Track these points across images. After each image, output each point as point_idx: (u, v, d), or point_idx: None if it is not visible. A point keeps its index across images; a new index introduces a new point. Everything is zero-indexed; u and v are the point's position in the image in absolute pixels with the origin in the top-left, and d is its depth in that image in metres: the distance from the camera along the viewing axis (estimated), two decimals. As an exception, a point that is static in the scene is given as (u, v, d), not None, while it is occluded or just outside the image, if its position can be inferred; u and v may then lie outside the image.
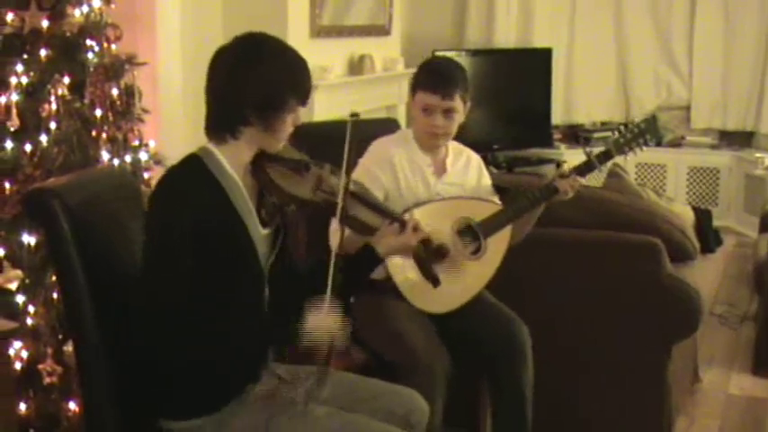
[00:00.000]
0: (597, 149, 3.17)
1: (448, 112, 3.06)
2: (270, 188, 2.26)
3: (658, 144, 7.36)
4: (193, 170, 2.20)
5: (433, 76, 3.07)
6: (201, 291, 2.14)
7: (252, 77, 2.19)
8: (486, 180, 3.27)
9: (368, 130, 3.41)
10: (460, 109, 3.08)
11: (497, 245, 3.07)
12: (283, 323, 2.25)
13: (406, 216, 2.48)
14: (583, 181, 3.11)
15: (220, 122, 2.24)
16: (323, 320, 2.14)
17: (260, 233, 2.26)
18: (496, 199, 3.21)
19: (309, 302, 2.15)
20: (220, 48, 2.26)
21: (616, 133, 3.21)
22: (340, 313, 2.16)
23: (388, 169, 3.06)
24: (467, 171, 3.22)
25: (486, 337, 3.05)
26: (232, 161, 2.23)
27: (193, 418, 2.22)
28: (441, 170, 3.15)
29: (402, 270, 2.94)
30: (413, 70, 3.36)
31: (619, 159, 3.25)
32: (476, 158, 3.28)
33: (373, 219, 2.38)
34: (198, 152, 2.24)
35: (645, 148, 3.18)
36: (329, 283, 2.16)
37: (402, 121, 6.32)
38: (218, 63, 2.24)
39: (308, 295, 2.16)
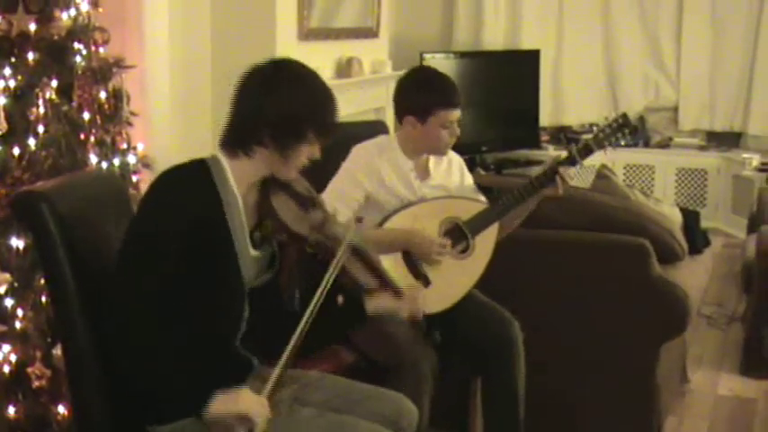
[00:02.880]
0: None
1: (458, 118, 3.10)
2: (267, 212, 2.25)
3: (646, 144, 7.40)
4: (197, 175, 2.19)
5: (447, 93, 3.08)
6: (181, 294, 2.13)
7: (274, 100, 2.19)
8: (469, 180, 3.28)
9: (356, 133, 3.42)
10: None
11: (485, 243, 3.08)
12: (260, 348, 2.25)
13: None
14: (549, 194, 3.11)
15: (236, 137, 2.23)
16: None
17: (249, 253, 2.24)
18: (481, 197, 3.22)
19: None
20: (254, 65, 2.26)
21: (595, 129, 3.23)
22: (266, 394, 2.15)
23: (373, 174, 3.06)
24: (449, 173, 3.23)
25: (478, 335, 3.06)
26: (238, 176, 2.22)
27: (177, 421, 2.19)
28: (424, 174, 3.16)
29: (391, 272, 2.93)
30: (401, 73, 3.35)
31: (599, 154, 3.24)
32: (457, 159, 3.29)
33: (367, 278, 2.37)
34: (207, 159, 2.23)
35: (623, 142, 3.21)
36: (310, 309, 2.16)
37: (390, 123, 6.30)
38: (248, 79, 2.24)
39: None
